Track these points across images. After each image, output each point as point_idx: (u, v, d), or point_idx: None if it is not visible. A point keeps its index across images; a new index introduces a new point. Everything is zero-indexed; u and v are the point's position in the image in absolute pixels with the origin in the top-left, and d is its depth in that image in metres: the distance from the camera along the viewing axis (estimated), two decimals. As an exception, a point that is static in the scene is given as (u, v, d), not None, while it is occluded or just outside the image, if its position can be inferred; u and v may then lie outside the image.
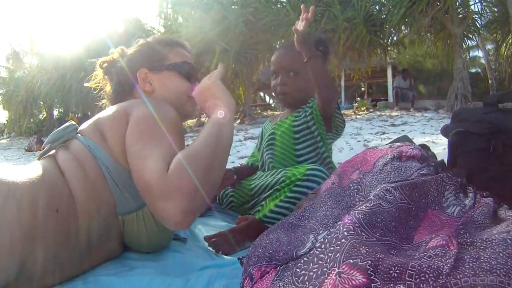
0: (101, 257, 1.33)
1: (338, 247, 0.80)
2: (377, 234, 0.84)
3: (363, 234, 0.82)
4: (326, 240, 0.85)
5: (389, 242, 0.84)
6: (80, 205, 1.20)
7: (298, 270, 0.87)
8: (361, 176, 1.16)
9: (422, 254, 0.77)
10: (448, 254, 0.74)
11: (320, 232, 1.00)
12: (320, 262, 0.82)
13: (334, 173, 1.29)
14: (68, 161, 1.27)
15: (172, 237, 1.49)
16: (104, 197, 1.26)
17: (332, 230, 0.88)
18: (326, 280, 0.76)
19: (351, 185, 1.16)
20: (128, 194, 1.28)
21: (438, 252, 0.75)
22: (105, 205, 1.26)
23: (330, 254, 0.80)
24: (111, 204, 1.27)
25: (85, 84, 1.74)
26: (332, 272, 0.76)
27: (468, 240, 0.80)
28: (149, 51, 1.63)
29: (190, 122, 14.48)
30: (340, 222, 0.87)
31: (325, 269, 0.79)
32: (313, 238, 0.97)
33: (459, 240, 0.80)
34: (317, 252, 0.85)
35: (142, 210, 1.31)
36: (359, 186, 1.13)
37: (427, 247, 0.80)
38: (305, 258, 0.89)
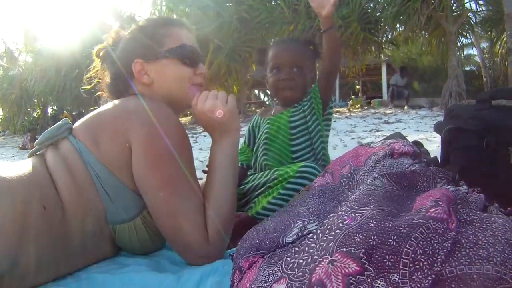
0: (95, 257, 1.31)
1: (331, 237, 0.79)
2: (372, 206, 0.84)
3: (358, 215, 0.82)
4: (319, 231, 0.85)
5: (386, 209, 0.83)
6: (68, 207, 1.18)
7: (288, 258, 0.86)
8: (352, 171, 1.16)
9: (420, 221, 0.76)
10: (446, 235, 0.74)
11: (311, 221, 1.00)
12: (311, 251, 0.82)
13: (326, 171, 1.28)
14: (56, 163, 1.24)
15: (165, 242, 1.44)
16: (93, 204, 1.22)
17: (325, 221, 0.87)
18: (317, 268, 0.75)
19: (342, 180, 1.16)
20: (119, 204, 1.24)
21: (437, 228, 0.74)
22: (94, 212, 1.23)
23: (322, 244, 0.80)
24: (100, 211, 1.24)
25: (83, 87, 1.64)
26: (324, 260, 0.75)
27: (468, 219, 0.79)
28: (142, 37, 1.48)
29: (185, 119, 14.46)
30: (333, 214, 0.87)
31: (315, 257, 0.78)
32: (301, 225, 0.97)
33: (458, 217, 0.80)
34: (309, 242, 0.85)
35: (134, 221, 1.27)
36: (350, 182, 1.13)
37: (427, 214, 0.78)
38: (296, 248, 0.89)
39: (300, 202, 1.14)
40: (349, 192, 1.10)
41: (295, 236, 0.94)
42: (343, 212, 0.84)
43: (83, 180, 1.22)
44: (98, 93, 1.61)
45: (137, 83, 1.46)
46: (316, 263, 0.76)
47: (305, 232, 0.93)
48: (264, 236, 0.98)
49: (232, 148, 1.41)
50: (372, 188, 0.91)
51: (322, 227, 0.85)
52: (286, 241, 0.94)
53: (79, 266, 1.26)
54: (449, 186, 0.95)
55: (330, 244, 0.77)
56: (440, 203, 0.81)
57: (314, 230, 0.88)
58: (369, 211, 0.82)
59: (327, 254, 0.76)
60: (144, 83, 1.45)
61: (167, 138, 1.23)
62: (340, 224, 0.81)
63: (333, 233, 0.80)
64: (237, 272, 0.96)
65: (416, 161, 1.12)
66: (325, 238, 0.81)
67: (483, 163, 1.51)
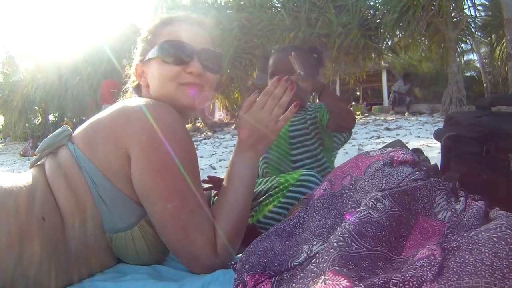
0: (97, 267, 1.27)
1: (326, 257, 0.81)
2: (367, 243, 0.85)
3: (353, 244, 0.83)
4: (320, 254, 0.86)
5: (379, 252, 0.85)
6: (66, 216, 1.17)
7: (293, 284, 0.87)
8: (353, 182, 1.16)
9: (408, 267, 0.77)
10: (432, 263, 0.75)
11: (315, 243, 1.01)
12: (313, 275, 0.83)
13: (326, 179, 1.29)
14: (54, 171, 1.22)
15: (168, 253, 1.40)
16: (90, 212, 1.19)
17: (326, 244, 0.88)
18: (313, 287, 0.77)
19: (343, 191, 1.16)
20: (115, 213, 1.20)
21: (423, 263, 0.75)
22: (91, 220, 1.19)
23: (320, 265, 0.81)
24: (97, 219, 1.20)
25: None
26: (320, 280, 0.76)
27: (455, 245, 0.80)
28: (142, 41, 1.45)
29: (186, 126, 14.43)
30: (333, 236, 0.88)
31: (315, 279, 0.80)
32: (308, 249, 0.98)
33: (445, 246, 0.81)
34: (312, 266, 0.86)
35: (131, 230, 1.23)
36: (351, 193, 1.13)
37: (414, 259, 0.80)
38: (301, 274, 0.90)
39: (306, 222, 1.14)
40: (349, 202, 1.10)
41: (302, 260, 0.94)
42: (339, 233, 0.85)
43: (80, 188, 1.19)
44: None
45: (143, 87, 1.45)
46: (315, 285, 0.77)
47: (311, 255, 0.94)
48: (272, 257, 0.98)
49: (254, 162, 1.38)
50: (373, 213, 0.92)
51: (323, 251, 0.86)
52: (294, 264, 0.94)
53: (82, 276, 1.23)
54: (446, 213, 0.96)
55: (325, 264, 0.78)
56: (427, 245, 0.82)
57: (317, 255, 0.88)
58: (363, 249, 0.83)
59: (322, 274, 0.77)
60: (145, 86, 1.43)
61: (171, 145, 1.17)
62: (335, 244, 0.82)
63: (328, 253, 0.81)
64: (240, 286, 0.96)
65: (415, 169, 1.12)
66: (323, 260, 0.82)
67: (483, 169, 1.52)
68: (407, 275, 0.71)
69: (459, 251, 0.77)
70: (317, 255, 0.87)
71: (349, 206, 1.09)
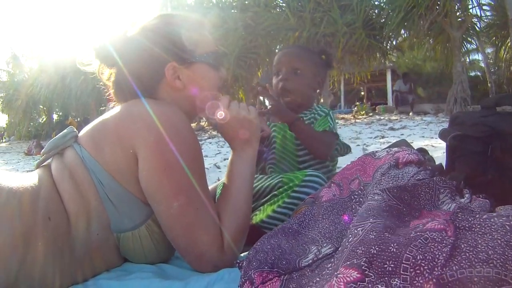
0: (102, 267, 1.27)
1: (339, 257, 0.81)
2: (371, 219, 0.85)
3: (359, 230, 0.83)
4: (335, 258, 0.86)
5: (383, 220, 0.84)
6: (72, 216, 1.17)
7: (306, 286, 0.87)
8: (362, 187, 1.17)
9: (418, 234, 0.77)
10: (445, 241, 0.74)
11: (324, 245, 1.01)
12: (327, 277, 0.83)
13: (333, 182, 1.28)
14: (60, 172, 1.22)
15: (174, 252, 1.38)
16: (97, 212, 1.19)
17: (340, 248, 0.88)
18: (326, 285, 0.77)
19: (352, 197, 1.16)
20: (123, 212, 1.20)
21: (435, 237, 0.75)
22: (98, 220, 1.19)
23: (335, 266, 0.81)
24: (104, 220, 1.20)
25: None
26: (332, 277, 0.77)
27: (467, 225, 0.80)
28: (176, 37, 1.34)
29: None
30: (345, 239, 0.88)
31: (329, 278, 0.80)
32: (316, 250, 0.98)
33: (456, 224, 0.80)
34: (328, 271, 0.86)
35: (138, 230, 1.23)
36: (360, 199, 1.14)
37: (424, 228, 0.80)
38: (317, 278, 0.90)
39: (313, 222, 1.14)
40: (359, 208, 1.11)
41: (310, 261, 0.95)
42: (349, 233, 0.86)
43: (87, 189, 1.19)
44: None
45: (164, 86, 1.35)
46: (328, 283, 0.77)
47: (320, 256, 0.94)
48: (280, 255, 0.99)
49: (252, 158, 1.38)
50: (372, 202, 0.92)
51: (336, 254, 0.87)
52: (302, 264, 0.94)
53: (87, 276, 1.22)
54: (451, 205, 0.96)
55: (339, 263, 0.79)
56: (437, 218, 0.82)
57: (333, 260, 0.89)
58: (369, 223, 0.83)
59: (335, 272, 0.77)
60: (176, 88, 1.34)
61: (178, 145, 1.17)
62: (346, 244, 0.82)
63: (342, 254, 0.81)
64: (247, 283, 0.96)
65: (420, 169, 1.12)
66: (337, 261, 0.82)
67: (488, 169, 1.51)
68: (418, 257, 0.71)
69: (471, 232, 0.77)
70: (332, 259, 0.88)
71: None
